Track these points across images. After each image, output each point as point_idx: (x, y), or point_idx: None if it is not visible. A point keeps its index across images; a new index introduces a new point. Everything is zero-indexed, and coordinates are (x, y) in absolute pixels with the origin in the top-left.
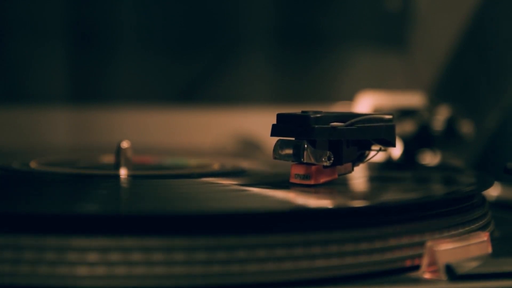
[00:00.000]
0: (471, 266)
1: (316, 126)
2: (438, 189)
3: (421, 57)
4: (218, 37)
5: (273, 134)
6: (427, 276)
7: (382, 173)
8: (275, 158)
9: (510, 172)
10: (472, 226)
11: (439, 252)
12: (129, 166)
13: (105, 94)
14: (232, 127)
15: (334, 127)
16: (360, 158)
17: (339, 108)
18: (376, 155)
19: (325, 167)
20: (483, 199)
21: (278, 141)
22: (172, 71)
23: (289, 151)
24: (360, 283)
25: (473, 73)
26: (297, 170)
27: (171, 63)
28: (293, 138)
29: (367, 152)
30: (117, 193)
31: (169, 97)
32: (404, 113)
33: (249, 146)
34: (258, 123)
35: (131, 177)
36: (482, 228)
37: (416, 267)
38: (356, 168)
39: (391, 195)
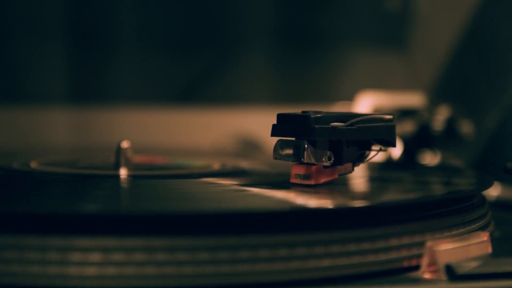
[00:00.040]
0: (471, 266)
1: (317, 126)
2: (438, 189)
3: (421, 57)
4: (218, 37)
5: (273, 134)
6: (427, 276)
7: (382, 173)
8: (275, 158)
9: (510, 172)
10: (472, 226)
11: (439, 252)
12: (129, 166)
13: (105, 94)
14: (232, 127)
15: (335, 127)
16: (360, 158)
17: (339, 108)
18: (376, 155)
19: (325, 167)
20: (483, 199)
21: (278, 141)
22: (172, 71)
23: (290, 151)
24: (360, 283)
25: (473, 73)
26: (298, 170)
27: (171, 63)
28: (293, 138)
29: (367, 152)
30: (117, 193)
31: (169, 97)
32: (404, 113)
33: (249, 146)
34: (258, 123)
35: (131, 177)
36: (482, 228)
37: (416, 267)
38: (356, 168)
39: (391, 195)
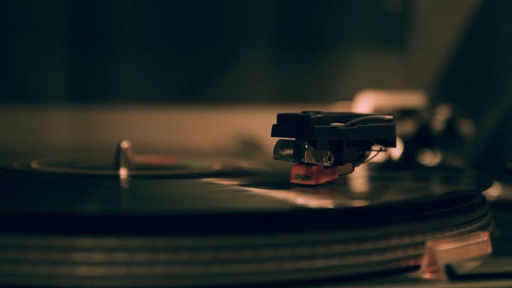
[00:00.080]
0: (471, 266)
1: (317, 126)
2: (438, 189)
3: (421, 57)
4: (218, 37)
5: (273, 134)
6: (427, 276)
7: (382, 173)
8: (275, 158)
9: (510, 172)
10: (472, 226)
11: (439, 252)
12: (129, 166)
13: (105, 94)
14: (232, 127)
15: (335, 128)
16: (360, 158)
17: (339, 108)
18: (377, 155)
19: (325, 167)
20: (483, 199)
21: (278, 141)
22: (172, 71)
23: (290, 152)
24: (360, 283)
25: (473, 73)
26: (298, 170)
27: (171, 63)
28: (293, 139)
29: (367, 152)
30: (118, 193)
31: (169, 97)
32: (404, 113)
33: (249, 146)
34: (258, 123)
35: (131, 177)
36: (482, 228)
37: (416, 267)
38: (356, 168)
39: (391, 195)
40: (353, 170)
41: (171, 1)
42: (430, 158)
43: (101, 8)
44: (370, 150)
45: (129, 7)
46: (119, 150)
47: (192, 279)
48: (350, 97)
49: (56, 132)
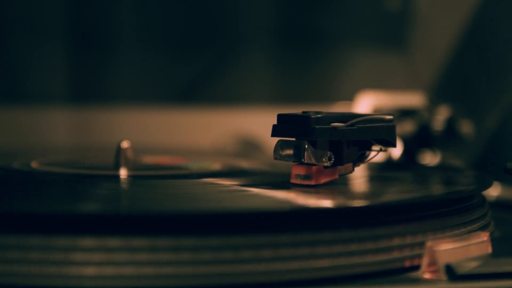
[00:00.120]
0: (471, 266)
1: (317, 126)
2: (438, 189)
3: (421, 57)
4: (218, 37)
5: (273, 134)
6: (427, 276)
7: (382, 173)
8: (275, 158)
9: (510, 172)
10: (472, 226)
11: (439, 252)
12: (129, 166)
13: (105, 94)
14: (232, 127)
15: (335, 128)
16: (360, 158)
17: (339, 108)
18: (377, 155)
19: (325, 167)
20: (483, 199)
21: (278, 141)
22: (172, 71)
23: (290, 152)
24: (360, 283)
25: (473, 73)
26: (298, 170)
27: (171, 63)
28: (293, 139)
29: (367, 152)
30: (118, 193)
31: (169, 97)
32: (404, 113)
33: (249, 146)
34: (258, 123)
35: (131, 177)
36: (482, 228)
37: (416, 267)
38: (356, 168)
39: (391, 195)
40: (353, 170)
41: (171, 1)
42: (430, 158)
43: (101, 8)
44: (370, 150)
45: (129, 7)
46: (119, 150)
47: (192, 279)
48: (350, 97)
49: (56, 132)
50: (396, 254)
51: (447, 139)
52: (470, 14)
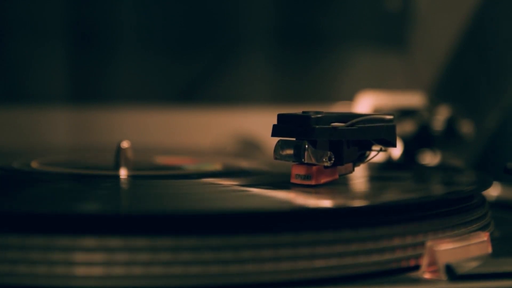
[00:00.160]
0: (471, 266)
1: (317, 126)
2: (438, 189)
3: (421, 57)
4: (218, 37)
5: (273, 134)
6: (427, 276)
7: (382, 173)
8: (275, 158)
9: (510, 172)
10: (472, 226)
11: (439, 252)
12: (129, 166)
13: (105, 94)
14: (232, 127)
15: (335, 128)
16: (360, 158)
17: (339, 108)
18: (377, 155)
19: (325, 167)
20: (483, 199)
21: (279, 141)
22: (172, 71)
23: (290, 152)
24: (360, 283)
25: (473, 73)
26: (298, 170)
27: (171, 63)
28: (293, 139)
29: (367, 152)
30: (118, 193)
31: (169, 97)
32: (404, 113)
33: (249, 146)
34: (258, 123)
35: (131, 177)
36: (482, 228)
37: (416, 267)
38: (356, 168)
39: (391, 195)
40: (353, 170)
41: (171, 1)
42: (430, 158)
43: (101, 8)
44: (370, 150)
45: (129, 7)
46: (119, 150)
47: (192, 279)
48: (350, 97)
49: (56, 132)
50: (396, 254)
51: (447, 139)
52: (470, 14)
